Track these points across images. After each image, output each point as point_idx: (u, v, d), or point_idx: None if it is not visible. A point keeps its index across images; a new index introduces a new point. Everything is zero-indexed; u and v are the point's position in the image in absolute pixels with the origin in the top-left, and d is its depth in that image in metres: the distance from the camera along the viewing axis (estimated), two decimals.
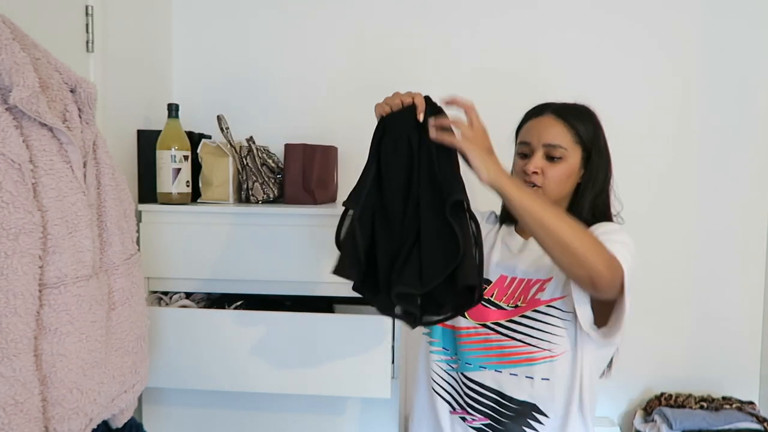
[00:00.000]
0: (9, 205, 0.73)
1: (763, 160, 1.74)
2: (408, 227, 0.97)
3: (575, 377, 1.04)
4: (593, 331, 1.01)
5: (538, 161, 1.06)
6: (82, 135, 0.86)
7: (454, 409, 1.12)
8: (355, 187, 1.04)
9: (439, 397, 1.14)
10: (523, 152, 1.10)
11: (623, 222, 1.15)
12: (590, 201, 1.10)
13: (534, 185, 1.06)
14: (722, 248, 1.77)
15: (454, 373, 1.12)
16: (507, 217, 1.20)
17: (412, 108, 1.01)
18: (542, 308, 1.05)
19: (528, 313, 1.06)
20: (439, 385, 1.14)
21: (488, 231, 1.19)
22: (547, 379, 1.05)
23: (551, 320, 1.04)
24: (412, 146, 0.99)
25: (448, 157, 0.97)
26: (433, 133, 0.96)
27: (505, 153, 1.11)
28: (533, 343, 1.04)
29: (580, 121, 1.09)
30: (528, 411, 1.05)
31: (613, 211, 1.14)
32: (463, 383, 1.10)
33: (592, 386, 1.06)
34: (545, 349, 1.04)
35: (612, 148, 1.73)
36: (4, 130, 0.73)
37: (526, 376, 1.05)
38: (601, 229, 1.04)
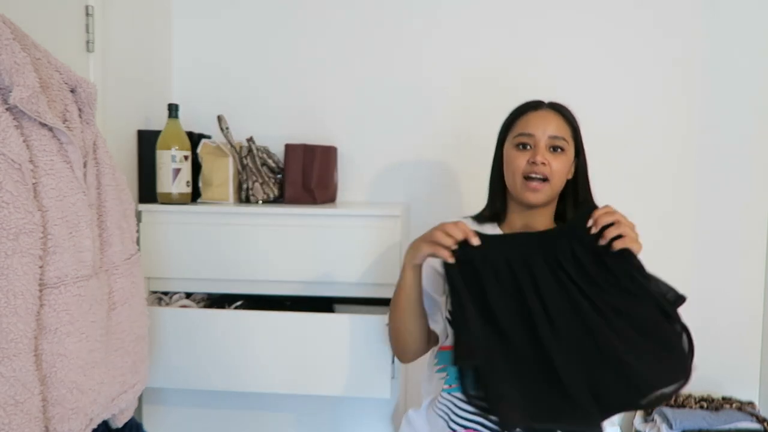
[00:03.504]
0: (9, 205, 0.73)
1: (764, 160, 1.74)
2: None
3: None
4: None
5: (546, 152, 1.07)
6: (82, 135, 0.86)
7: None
8: (461, 342, 0.98)
9: (440, 418, 1.10)
10: (524, 143, 1.09)
11: None
12: (582, 197, 1.15)
13: (542, 177, 1.07)
14: (722, 248, 1.76)
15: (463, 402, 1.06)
16: (492, 216, 1.19)
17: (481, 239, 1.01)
18: None
19: None
20: (450, 416, 1.09)
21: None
22: None
23: None
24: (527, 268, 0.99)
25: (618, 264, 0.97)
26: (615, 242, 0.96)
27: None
28: None
29: (572, 117, 1.13)
30: None
31: None
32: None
33: None
34: None
35: (613, 149, 1.75)
36: (5, 130, 0.73)
37: None
38: None
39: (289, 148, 1.53)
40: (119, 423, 0.96)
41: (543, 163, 1.06)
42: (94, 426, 0.88)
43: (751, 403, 1.71)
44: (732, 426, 1.59)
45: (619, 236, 0.96)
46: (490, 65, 1.74)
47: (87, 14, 1.28)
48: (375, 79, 1.77)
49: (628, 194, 1.76)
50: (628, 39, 1.73)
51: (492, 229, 1.17)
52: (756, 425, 1.59)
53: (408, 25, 1.76)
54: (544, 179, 1.07)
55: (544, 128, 1.08)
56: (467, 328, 0.96)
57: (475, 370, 0.96)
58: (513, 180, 1.10)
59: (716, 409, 1.66)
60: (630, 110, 1.75)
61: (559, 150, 1.08)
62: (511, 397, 0.93)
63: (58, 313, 0.79)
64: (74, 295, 0.81)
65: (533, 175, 1.07)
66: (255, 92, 1.79)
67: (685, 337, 0.94)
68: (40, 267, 0.77)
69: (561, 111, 1.12)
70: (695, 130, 1.74)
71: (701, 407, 1.67)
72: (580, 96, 1.73)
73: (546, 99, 1.16)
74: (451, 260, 0.98)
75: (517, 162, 1.09)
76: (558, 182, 1.09)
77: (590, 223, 0.98)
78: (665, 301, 0.95)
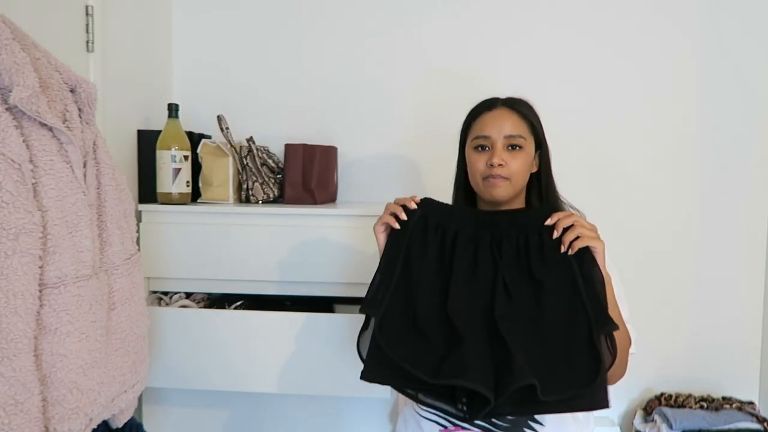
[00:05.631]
0: (9, 205, 0.73)
1: (764, 160, 1.74)
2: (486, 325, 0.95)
3: None
4: None
5: (502, 153, 1.08)
6: (82, 135, 0.86)
7: (445, 427, 1.08)
8: (373, 291, 1.03)
9: (426, 421, 1.09)
10: (482, 145, 1.10)
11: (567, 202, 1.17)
12: (546, 189, 1.15)
13: (501, 177, 1.07)
14: (722, 248, 1.76)
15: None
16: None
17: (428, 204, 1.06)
18: None
19: None
20: (428, 411, 1.10)
21: None
22: None
23: None
24: (475, 242, 1.02)
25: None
26: (572, 240, 0.96)
27: None
28: None
29: (529, 112, 1.13)
30: (524, 420, 1.03)
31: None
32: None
33: None
34: None
35: (612, 150, 1.75)
36: (4, 130, 0.73)
37: None
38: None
39: (289, 148, 1.53)
40: (119, 423, 0.96)
41: (501, 165, 1.07)
42: (94, 426, 0.88)
43: (751, 403, 1.71)
44: (732, 426, 1.59)
45: (576, 238, 0.96)
46: (490, 65, 1.74)
47: (87, 14, 1.28)
48: (375, 79, 1.77)
49: (626, 195, 1.76)
50: (627, 35, 1.73)
51: None
52: (756, 425, 1.59)
53: (407, 25, 1.76)
54: (505, 178, 1.08)
55: (500, 128, 1.08)
56: (386, 287, 1.01)
57: (377, 326, 0.99)
58: (475, 181, 1.12)
59: (716, 409, 1.66)
60: (626, 112, 1.75)
61: (517, 148, 1.09)
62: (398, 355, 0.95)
63: (58, 313, 0.79)
64: (74, 295, 0.81)
65: (492, 177, 1.08)
66: (255, 92, 1.79)
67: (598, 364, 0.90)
68: (40, 267, 0.77)
69: (516, 108, 1.11)
70: (695, 131, 1.74)
71: (701, 407, 1.67)
72: (578, 97, 1.74)
73: (508, 94, 1.15)
74: (397, 226, 1.03)
75: (476, 165, 1.11)
76: (519, 179, 1.10)
77: (549, 222, 0.98)
78: (595, 322, 0.91)
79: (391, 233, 1.05)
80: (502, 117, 1.10)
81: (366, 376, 0.97)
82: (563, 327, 0.93)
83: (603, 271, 0.96)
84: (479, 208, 1.18)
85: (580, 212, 1.14)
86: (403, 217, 1.03)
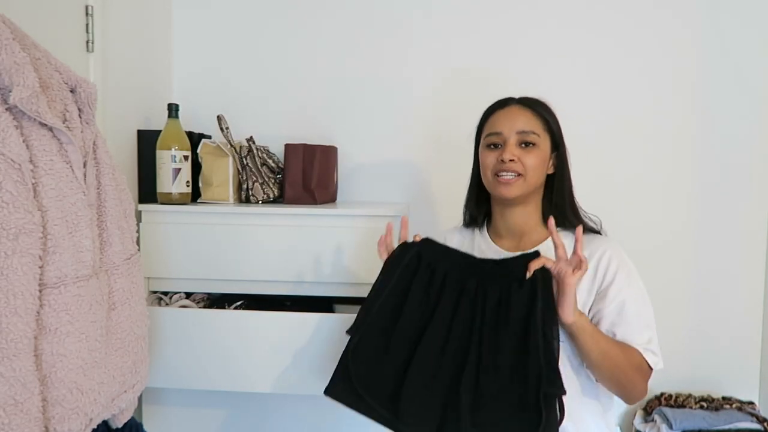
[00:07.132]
0: (9, 205, 0.73)
1: (764, 160, 1.74)
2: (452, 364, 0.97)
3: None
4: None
5: (513, 149, 1.06)
6: (82, 135, 0.86)
7: None
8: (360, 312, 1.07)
9: None
10: (494, 142, 1.09)
11: (592, 217, 1.15)
12: (559, 194, 1.12)
13: (516, 174, 1.06)
14: (722, 248, 1.77)
15: None
16: (472, 221, 1.21)
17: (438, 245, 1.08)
18: None
19: None
20: None
21: (461, 241, 1.20)
22: None
23: None
24: (466, 286, 1.01)
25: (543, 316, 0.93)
26: (561, 266, 0.93)
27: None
28: None
29: (545, 111, 1.11)
30: None
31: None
32: None
33: (582, 406, 1.03)
34: None
35: (611, 149, 1.75)
36: (4, 130, 0.73)
37: None
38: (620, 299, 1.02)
39: (289, 148, 1.53)
40: (119, 423, 0.96)
41: (512, 160, 1.05)
42: (94, 426, 0.88)
43: (751, 403, 1.71)
44: (732, 426, 1.59)
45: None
46: (489, 66, 1.74)
47: (87, 14, 1.28)
48: (375, 80, 1.78)
49: (628, 195, 1.76)
50: (625, 37, 1.73)
51: (481, 236, 1.18)
52: (756, 425, 1.59)
53: (407, 25, 1.76)
54: (518, 174, 1.06)
55: (512, 125, 1.07)
56: (371, 311, 1.05)
57: (356, 344, 1.04)
58: (486, 178, 1.11)
59: (716, 409, 1.66)
60: (626, 111, 1.75)
61: (530, 145, 1.06)
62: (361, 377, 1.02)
63: (58, 313, 0.79)
64: (74, 295, 0.81)
65: (503, 173, 1.06)
66: (255, 92, 1.79)
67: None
68: (40, 267, 0.77)
69: (530, 105, 1.10)
70: (695, 130, 1.74)
71: (701, 407, 1.67)
72: (581, 97, 1.74)
73: (511, 93, 1.14)
74: (384, 256, 1.09)
75: (487, 161, 1.09)
76: (534, 177, 1.07)
77: (528, 275, 0.96)
78: (543, 384, 0.89)
79: (386, 261, 1.07)
80: (515, 113, 1.09)
81: (328, 392, 1.04)
82: (518, 379, 0.92)
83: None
84: (494, 219, 1.16)
85: (595, 221, 1.13)
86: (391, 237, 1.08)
